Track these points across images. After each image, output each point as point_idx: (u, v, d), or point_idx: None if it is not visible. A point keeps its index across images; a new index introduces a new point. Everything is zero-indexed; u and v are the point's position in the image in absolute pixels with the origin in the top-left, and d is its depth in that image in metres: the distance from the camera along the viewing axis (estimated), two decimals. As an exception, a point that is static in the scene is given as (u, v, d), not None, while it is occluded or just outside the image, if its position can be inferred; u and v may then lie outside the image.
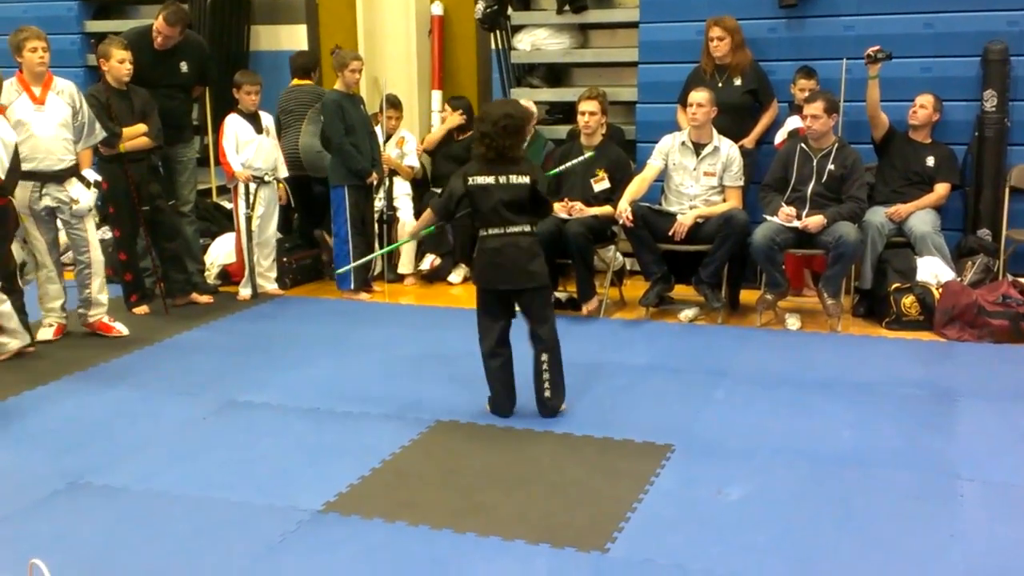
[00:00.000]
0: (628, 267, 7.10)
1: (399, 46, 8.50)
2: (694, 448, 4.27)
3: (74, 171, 5.77)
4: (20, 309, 5.61)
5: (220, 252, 7.31)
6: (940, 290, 5.94)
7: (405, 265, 7.43)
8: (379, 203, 7.23)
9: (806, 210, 6.07)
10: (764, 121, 6.82)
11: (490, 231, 4.49)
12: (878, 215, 6.26)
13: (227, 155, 6.73)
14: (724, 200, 6.30)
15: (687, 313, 6.34)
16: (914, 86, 6.48)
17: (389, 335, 6.05)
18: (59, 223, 5.86)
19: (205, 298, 6.79)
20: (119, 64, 6.13)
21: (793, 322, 6.14)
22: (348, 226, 6.87)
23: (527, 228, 4.52)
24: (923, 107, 6.38)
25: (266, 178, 6.84)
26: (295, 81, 7.60)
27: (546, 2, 7.88)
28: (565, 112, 7.74)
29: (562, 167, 6.38)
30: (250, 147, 6.78)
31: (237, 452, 4.31)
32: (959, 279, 6.07)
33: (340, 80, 6.89)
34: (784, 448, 4.26)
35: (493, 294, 4.58)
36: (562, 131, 7.49)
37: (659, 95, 7.13)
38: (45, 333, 5.92)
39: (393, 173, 7.45)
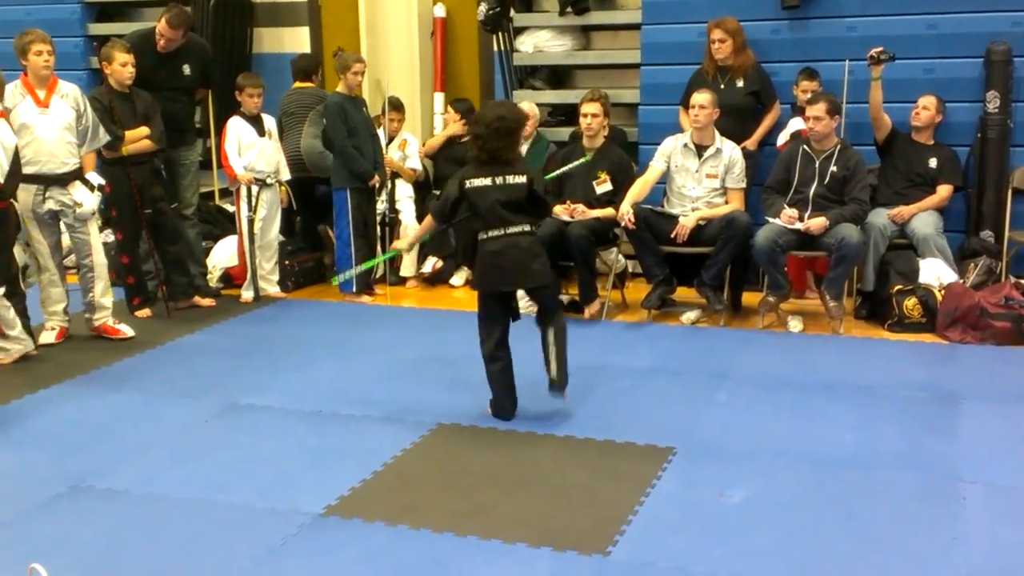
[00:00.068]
0: (630, 269, 7.10)
1: (401, 48, 8.50)
2: (696, 451, 4.26)
3: (78, 174, 5.77)
4: (22, 312, 5.62)
5: (222, 255, 7.31)
6: (942, 292, 5.93)
7: (407, 268, 7.43)
8: (381, 205, 7.23)
9: (808, 212, 6.06)
10: (766, 123, 6.81)
11: (490, 233, 4.48)
12: (880, 217, 6.25)
13: (229, 158, 6.73)
14: (726, 202, 6.29)
15: (689, 315, 6.34)
16: (917, 87, 6.47)
17: (391, 338, 6.05)
18: (62, 226, 5.87)
19: (207, 301, 6.79)
20: (122, 67, 6.14)
21: (795, 324, 6.13)
22: (350, 229, 6.87)
23: (527, 228, 4.52)
24: (926, 108, 6.37)
25: (268, 181, 6.85)
26: (296, 84, 7.61)
27: (548, 4, 7.88)
28: (567, 114, 7.74)
29: (560, 170, 6.39)
30: (252, 150, 6.78)
31: (239, 455, 4.31)
32: (961, 281, 6.06)
33: (342, 82, 6.89)
34: (786, 450, 4.25)
35: (495, 296, 4.58)
36: (564, 133, 7.49)
37: (661, 97, 7.12)
38: (47, 336, 5.92)
39: (395, 175, 7.46)
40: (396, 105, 7.55)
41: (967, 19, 6.51)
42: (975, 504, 3.77)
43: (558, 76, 8.05)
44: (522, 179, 4.50)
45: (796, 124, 6.61)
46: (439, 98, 8.47)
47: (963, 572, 3.28)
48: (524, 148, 7.09)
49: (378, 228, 7.17)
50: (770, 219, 6.10)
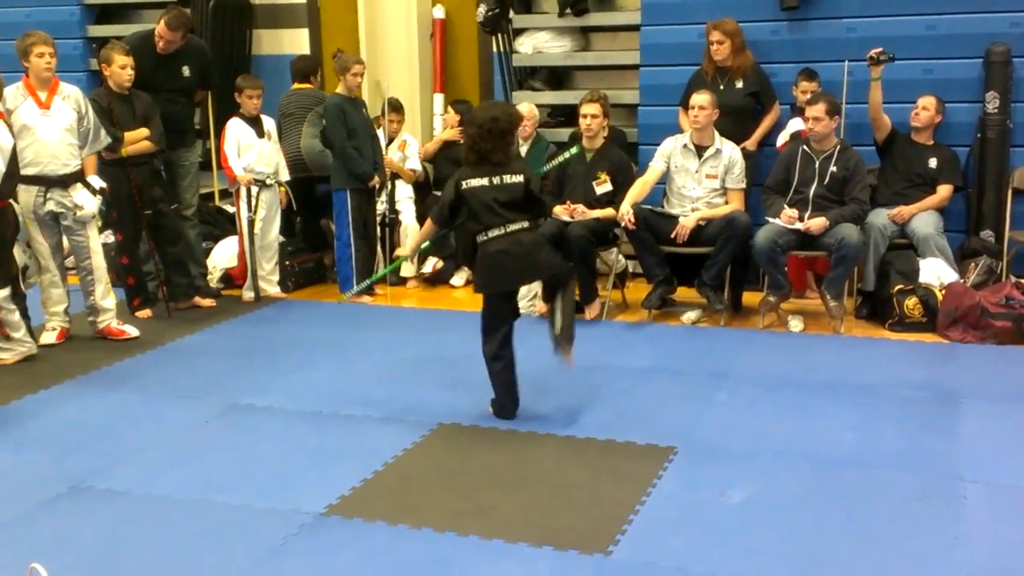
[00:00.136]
0: (630, 269, 7.10)
1: (401, 49, 8.50)
2: (697, 450, 4.26)
3: (79, 177, 5.77)
4: (23, 313, 5.61)
5: (222, 256, 7.32)
6: (943, 292, 5.93)
7: (407, 268, 7.43)
8: (381, 206, 7.23)
9: (808, 212, 6.06)
10: (766, 123, 6.82)
11: (490, 234, 4.46)
12: (880, 217, 6.25)
13: (229, 159, 6.74)
14: (726, 202, 6.29)
15: (689, 315, 6.34)
16: (916, 88, 6.48)
17: (391, 338, 6.05)
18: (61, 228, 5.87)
19: (208, 302, 6.79)
20: (121, 69, 6.14)
21: (796, 324, 6.14)
22: (350, 229, 6.88)
23: (526, 224, 4.51)
24: (925, 109, 6.38)
25: (268, 182, 6.85)
26: (295, 85, 7.61)
27: (547, 5, 7.88)
28: (567, 115, 7.74)
29: (550, 164, 6.42)
30: (252, 151, 6.78)
31: (239, 455, 4.31)
32: (962, 281, 6.06)
33: (342, 84, 6.89)
34: (787, 450, 4.25)
35: (498, 296, 4.57)
36: (564, 134, 7.49)
37: (661, 98, 7.13)
38: (48, 337, 5.92)
39: (395, 176, 7.46)
40: (395, 106, 7.56)
41: (966, 20, 6.52)
42: (976, 504, 3.77)
43: (557, 77, 8.05)
44: (519, 178, 4.50)
45: (795, 125, 6.61)
46: (438, 99, 8.47)
47: (964, 572, 3.28)
48: (524, 149, 7.10)
49: (378, 229, 7.17)
50: (770, 219, 6.10)
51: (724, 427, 4.55)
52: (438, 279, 7.49)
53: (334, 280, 7.32)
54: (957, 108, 6.54)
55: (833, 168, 6.07)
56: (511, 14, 7.73)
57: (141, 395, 5.09)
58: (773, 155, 6.65)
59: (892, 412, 4.68)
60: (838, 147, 6.12)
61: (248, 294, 6.92)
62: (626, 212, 6.15)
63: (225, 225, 7.64)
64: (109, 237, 6.69)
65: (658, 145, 6.52)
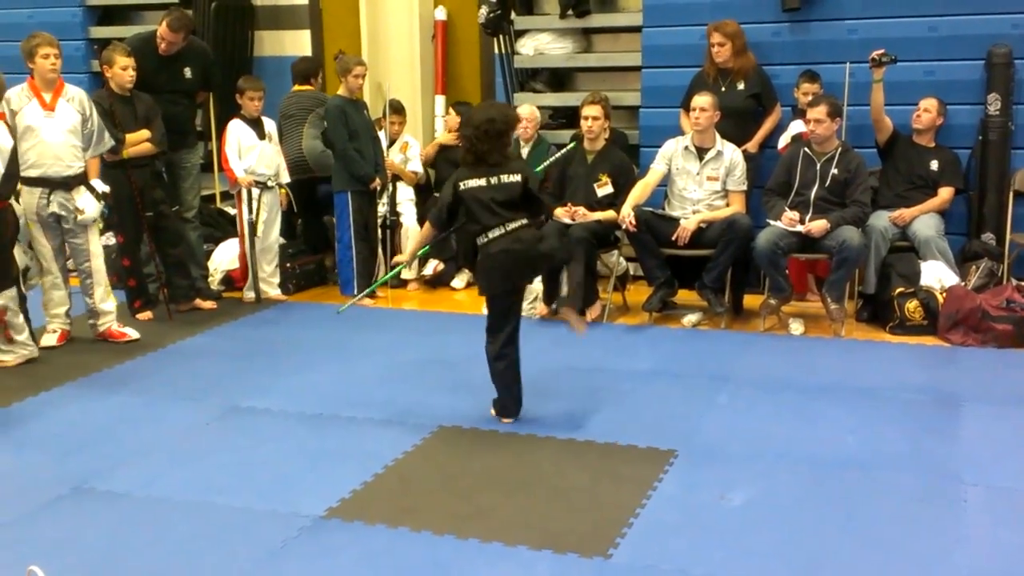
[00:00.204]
0: (631, 272, 7.10)
1: (402, 51, 8.50)
2: (697, 453, 4.26)
3: (82, 179, 5.77)
4: (24, 315, 5.61)
5: (223, 258, 7.32)
6: (944, 294, 5.92)
7: (408, 271, 7.43)
8: (382, 208, 7.23)
9: (809, 214, 6.06)
10: (767, 125, 6.82)
11: (490, 235, 4.45)
12: (882, 219, 6.24)
13: (230, 160, 6.74)
14: (727, 204, 6.29)
15: (690, 318, 6.34)
16: (918, 90, 6.47)
17: (392, 340, 6.05)
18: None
19: (209, 304, 6.79)
20: (122, 71, 6.15)
21: (797, 327, 6.13)
22: (351, 231, 6.89)
23: (525, 221, 4.50)
24: (927, 111, 6.37)
25: (269, 183, 6.86)
26: (296, 87, 7.61)
27: (549, 6, 7.88)
28: (568, 117, 7.74)
29: (547, 162, 6.46)
30: (253, 152, 6.79)
31: (240, 457, 4.31)
32: (963, 283, 6.06)
33: (343, 85, 6.90)
34: (787, 453, 4.25)
35: (503, 295, 4.57)
36: (565, 136, 7.49)
37: (662, 99, 7.13)
38: (49, 339, 5.92)
39: (396, 178, 7.46)
40: (397, 108, 7.56)
41: (968, 21, 6.52)
42: (976, 507, 3.77)
43: (559, 79, 8.05)
44: (517, 178, 4.49)
45: (797, 127, 6.61)
46: (440, 101, 8.48)
47: (964, 574, 3.27)
48: (525, 151, 7.11)
49: (379, 231, 7.17)
50: (771, 221, 6.10)
51: (725, 430, 4.54)
52: (439, 281, 7.49)
53: (335, 282, 7.33)
54: (959, 110, 6.53)
55: (834, 170, 6.07)
56: (512, 16, 7.73)
57: (142, 397, 5.09)
58: (774, 157, 6.64)
59: (893, 415, 4.68)
60: (839, 149, 6.11)
61: (250, 294, 6.92)
62: (627, 214, 6.14)
63: (226, 227, 7.64)
64: (110, 239, 6.70)
65: (659, 147, 6.52)
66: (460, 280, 7.45)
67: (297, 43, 8.76)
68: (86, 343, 6.00)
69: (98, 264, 5.95)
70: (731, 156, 6.29)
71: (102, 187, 5.86)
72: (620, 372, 5.37)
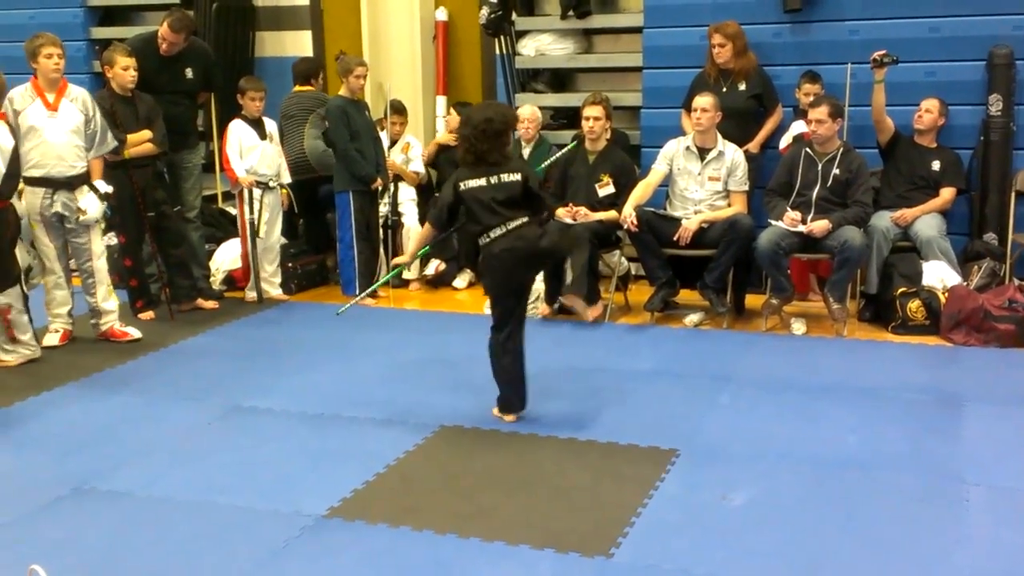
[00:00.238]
0: (633, 272, 7.10)
1: (403, 52, 8.50)
2: (699, 453, 4.26)
3: (85, 179, 5.78)
4: (26, 313, 5.61)
5: (225, 258, 7.32)
6: (946, 294, 5.92)
7: (410, 270, 7.43)
8: (384, 208, 7.24)
9: (811, 215, 6.06)
10: (769, 126, 6.82)
11: (492, 235, 4.45)
12: (884, 219, 6.24)
13: (231, 160, 6.75)
14: (729, 205, 6.29)
15: (692, 318, 6.33)
16: (919, 90, 6.47)
17: (394, 340, 6.05)
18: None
19: (210, 304, 6.80)
20: (123, 71, 6.15)
21: (798, 327, 6.13)
22: (353, 232, 6.89)
23: (526, 219, 4.50)
24: (928, 111, 6.37)
25: (270, 184, 6.86)
26: (296, 87, 7.62)
27: (550, 7, 7.88)
28: (569, 117, 7.74)
29: (549, 160, 6.50)
30: (254, 153, 6.79)
31: (241, 457, 4.31)
32: (965, 283, 6.05)
33: (344, 86, 6.90)
34: (789, 453, 4.25)
35: (509, 293, 4.56)
36: (566, 136, 7.49)
37: (663, 100, 7.13)
38: (51, 339, 5.92)
39: (398, 179, 7.47)
40: (398, 108, 7.56)
41: (969, 22, 6.52)
42: (978, 507, 3.77)
43: (560, 79, 8.06)
44: (516, 176, 4.48)
45: (798, 127, 6.61)
46: (441, 101, 8.48)
47: (965, 574, 3.27)
48: (526, 152, 7.11)
49: (381, 231, 7.17)
50: (773, 222, 6.10)
51: (726, 429, 4.54)
52: (441, 281, 7.49)
53: (337, 282, 7.33)
54: (960, 111, 6.53)
55: (836, 171, 6.06)
56: (514, 16, 7.73)
57: (143, 397, 5.09)
58: (776, 157, 6.64)
59: (895, 415, 4.68)
60: (841, 150, 6.11)
61: (252, 294, 6.93)
62: (629, 214, 6.15)
63: (228, 227, 7.64)
64: (112, 239, 6.70)
65: (661, 147, 6.52)
66: (462, 280, 7.46)
67: (298, 44, 8.76)
68: (88, 343, 6.00)
69: (100, 264, 5.95)
70: (732, 156, 6.28)
71: (105, 187, 5.86)
72: (622, 372, 5.37)
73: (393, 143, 7.49)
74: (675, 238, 6.17)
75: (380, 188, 7.02)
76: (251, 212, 6.76)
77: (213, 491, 3.95)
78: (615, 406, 4.83)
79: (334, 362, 5.60)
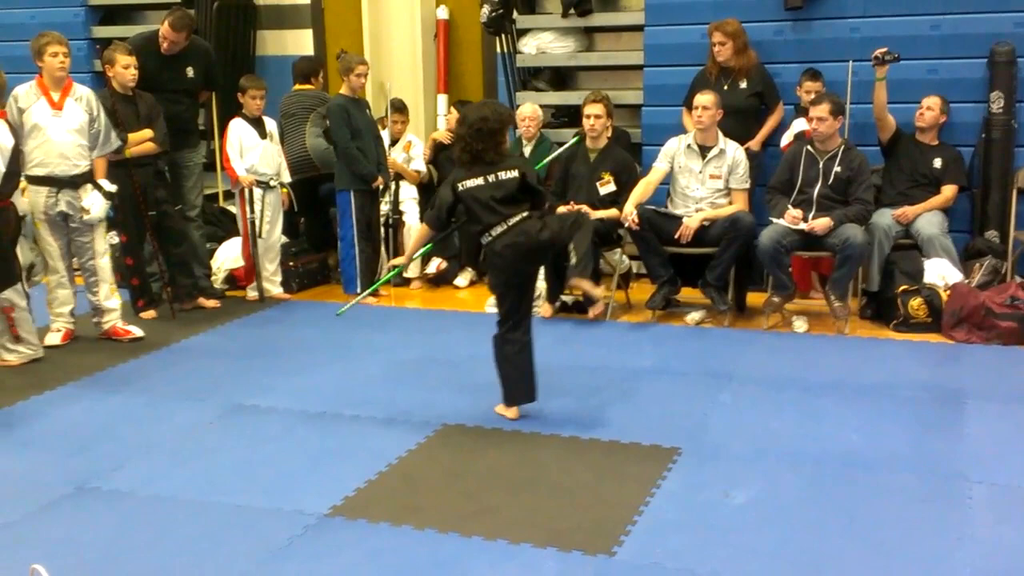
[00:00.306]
0: (634, 270, 7.10)
1: (405, 50, 8.50)
2: (700, 451, 4.26)
3: (89, 178, 5.78)
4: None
5: (226, 256, 7.32)
6: (948, 292, 5.92)
7: (411, 269, 7.43)
8: (385, 207, 7.24)
9: (812, 212, 6.06)
10: (770, 123, 6.82)
11: (494, 232, 4.45)
12: (885, 217, 6.24)
13: (231, 159, 6.74)
14: (730, 203, 6.29)
15: (693, 316, 6.33)
16: (921, 88, 6.47)
17: (395, 339, 6.05)
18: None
19: (212, 302, 6.80)
20: (124, 70, 6.15)
21: (800, 325, 6.13)
22: (354, 230, 6.89)
23: (526, 214, 4.49)
24: (930, 109, 6.36)
25: (271, 183, 6.86)
26: (296, 86, 7.62)
27: (551, 5, 7.88)
28: (570, 115, 7.74)
29: (552, 155, 6.51)
30: (254, 152, 6.79)
31: (243, 456, 4.31)
32: (967, 281, 6.05)
33: (346, 84, 6.90)
34: (791, 451, 4.25)
35: (514, 288, 4.56)
36: (567, 134, 7.49)
37: (664, 98, 7.13)
38: (52, 338, 5.92)
39: (399, 177, 7.46)
40: (399, 107, 7.56)
41: (971, 20, 6.51)
42: (980, 504, 3.77)
43: (561, 78, 8.05)
44: (514, 173, 4.49)
45: (799, 125, 6.60)
46: (442, 100, 8.48)
47: (967, 573, 3.27)
48: (527, 150, 7.11)
49: (382, 230, 7.17)
50: (774, 219, 6.10)
51: (728, 428, 4.54)
52: (442, 280, 7.49)
53: (338, 281, 7.33)
54: (962, 108, 6.53)
55: (837, 168, 6.06)
56: (515, 15, 7.73)
57: (145, 396, 5.09)
58: (777, 155, 6.64)
59: (896, 413, 4.68)
60: (842, 147, 6.11)
61: (253, 293, 6.93)
62: (630, 213, 6.15)
63: (229, 226, 7.64)
64: (113, 238, 6.69)
65: (662, 145, 6.52)
66: (463, 278, 7.45)
67: (299, 42, 8.76)
68: (89, 342, 6.00)
69: (103, 262, 5.95)
70: (734, 154, 6.28)
71: (109, 187, 5.86)
72: (623, 370, 5.37)
73: (394, 142, 7.50)
74: (676, 236, 6.17)
75: (381, 187, 7.02)
76: (252, 212, 6.76)
77: (215, 490, 3.95)
78: (617, 404, 4.84)
79: (335, 361, 5.60)
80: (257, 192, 6.75)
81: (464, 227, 4.78)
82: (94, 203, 5.76)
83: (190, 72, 6.78)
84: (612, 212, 6.35)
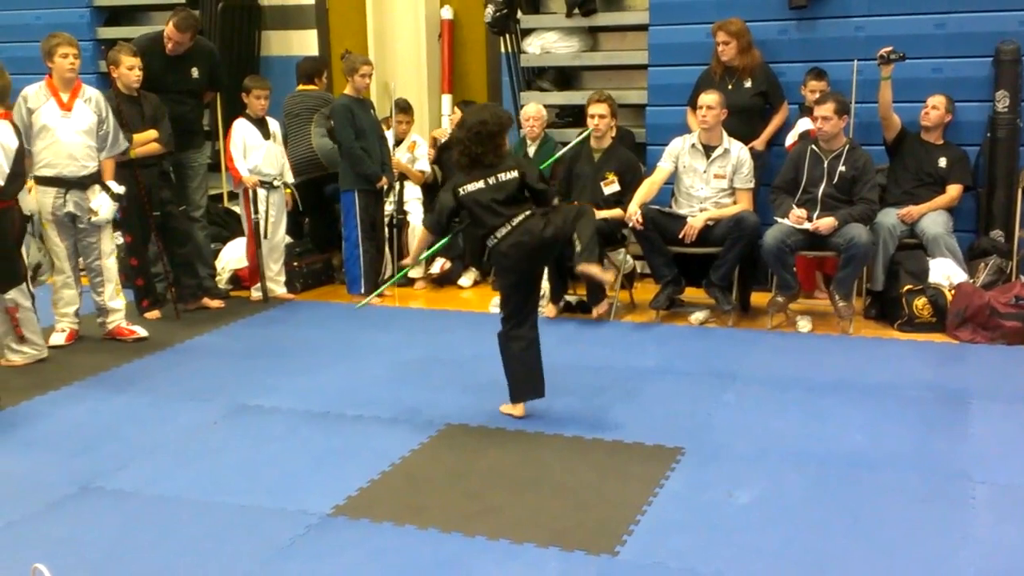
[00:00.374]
0: (638, 270, 7.09)
1: (409, 50, 8.51)
2: (704, 451, 4.26)
3: (97, 179, 5.79)
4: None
5: (231, 257, 7.33)
6: (952, 292, 5.91)
7: (415, 269, 7.43)
8: (389, 207, 7.24)
9: (817, 212, 6.05)
10: (774, 123, 6.81)
11: (499, 234, 4.45)
12: (890, 217, 6.23)
13: (235, 160, 6.75)
14: (734, 202, 6.28)
15: (697, 316, 6.33)
16: (926, 87, 6.45)
17: (399, 339, 6.05)
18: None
19: (216, 303, 6.81)
20: (129, 71, 6.16)
21: (804, 324, 6.12)
22: (358, 230, 6.89)
23: (528, 213, 4.48)
24: (935, 108, 6.35)
25: (274, 183, 6.87)
26: (300, 86, 7.62)
27: (555, 5, 7.88)
28: (575, 115, 7.73)
29: (556, 155, 6.53)
30: (258, 152, 6.79)
31: (247, 456, 4.32)
32: (971, 281, 6.04)
33: (350, 84, 6.90)
34: (794, 450, 4.24)
35: (520, 286, 4.56)
36: (572, 134, 7.48)
37: (669, 98, 7.12)
38: (57, 338, 5.93)
39: (403, 177, 7.47)
40: (403, 107, 7.56)
41: (975, 18, 6.50)
42: (984, 504, 3.76)
43: (565, 77, 8.05)
44: (513, 174, 4.49)
45: (804, 124, 6.59)
46: (446, 100, 8.48)
47: (971, 572, 3.26)
48: (531, 149, 7.11)
49: (386, 230, 7.17)
50: (779, 219, 6.09)
51: (732, 428, 4.54)
52: (446, 280, 7.49)
53: (342, 281, 7.33)
54: (967, 107, 6.51)
55: (842, 168, 6.05)
56: (519, 15, 7.73)
57: (149, 396, 5.10)
58: (782, 155, 6.63)
59: (900, 413, 4.67)
60: (847, 147, 6.10)
61: (257, 293, 6.93)
62: (634, 212, 6.14)
63: (234, 226, 7.65)
64: (118, 239, 6.70)
65: (666, 145, 6.51)
66: (467, 278, 7.46)
67: (304, 43, 8.77)
68: (94, 342, 6.02)
69: (109, 262, 5.97)
70: (738, 154, 6.27)
71: (118, 188, 5.87)
72: (627, 370, 5.37)
73: (399, 142, 7.50)
74: (680, 236, 6.17)
75: (385, 187, 7.02)
76: (256, 212, 6.77)
77: (219, 490, 3.96)
78: (621, 404, 4.83)
79: (339, 361, 5.60)
80: (261, 192, 6.76)
81: (468, 230, 4.78)
82: (102, 204, 5.77)
83: (195, 73, 6.79)
84: (616, 212, 6.35)
